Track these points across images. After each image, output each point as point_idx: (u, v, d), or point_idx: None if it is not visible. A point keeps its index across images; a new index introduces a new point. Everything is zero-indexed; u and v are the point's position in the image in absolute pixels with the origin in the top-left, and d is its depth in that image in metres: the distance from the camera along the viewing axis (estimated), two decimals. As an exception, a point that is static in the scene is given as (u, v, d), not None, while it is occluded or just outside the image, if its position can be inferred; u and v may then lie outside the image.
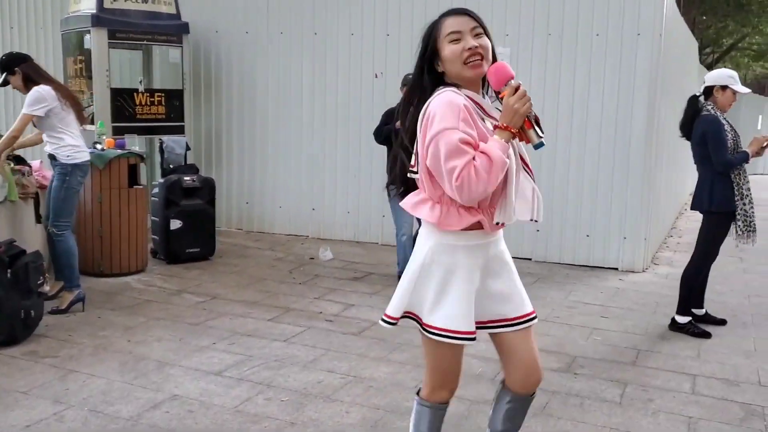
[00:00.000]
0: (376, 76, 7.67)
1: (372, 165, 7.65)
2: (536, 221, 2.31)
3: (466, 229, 2.20)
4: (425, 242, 2.27)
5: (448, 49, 2.12)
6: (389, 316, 2.32)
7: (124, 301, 5.38)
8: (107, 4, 7.05)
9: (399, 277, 5.50)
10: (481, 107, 2.18)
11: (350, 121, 7.82)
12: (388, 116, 5.89)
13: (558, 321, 5.21)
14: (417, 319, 2.32)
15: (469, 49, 2.10)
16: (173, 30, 7.58)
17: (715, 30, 21.95)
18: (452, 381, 2.41)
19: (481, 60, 2.12)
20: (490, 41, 2.17)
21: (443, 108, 2.08)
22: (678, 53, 8.77)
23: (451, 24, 2.13)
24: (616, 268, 6.92)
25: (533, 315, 2.41)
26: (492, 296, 2.33)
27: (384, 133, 5.87)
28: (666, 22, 6.86)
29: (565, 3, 6.90)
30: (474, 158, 2.04)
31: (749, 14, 19.67)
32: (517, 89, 2.07)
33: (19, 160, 5.53)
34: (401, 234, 5.94)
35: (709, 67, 20.20)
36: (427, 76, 2.21)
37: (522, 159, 2.23)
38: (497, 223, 2.20)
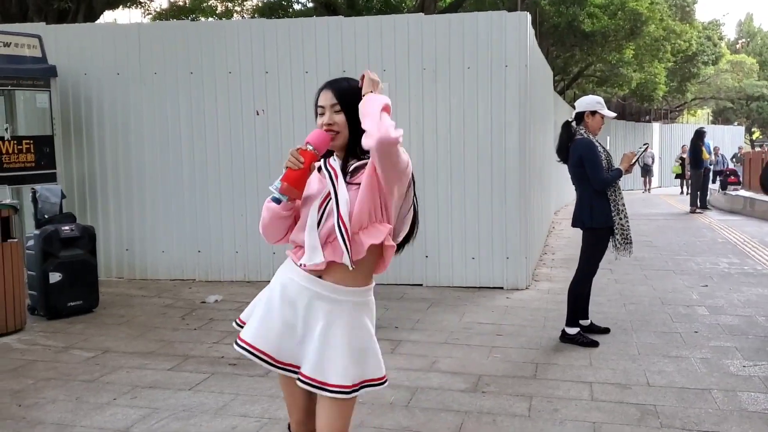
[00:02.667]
0: (258, 114, 7.66)
1: (258, 202, 7.55)
2: (351, 266, 2.25)
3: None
4: None
5: (317, 120, 2.38)
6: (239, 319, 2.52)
7: (6, 364, 5.01)
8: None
9: None
10: (333, 169, 2.33)
11: (234, 159, 7.74)
12: None
13: (458, 342, 5.38)
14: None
15: (325, 124, 2.33)
16: (39, 74, 7.22)
17: (564, 59, 23.59)
18: (291, 411, 2.51)
19: (337, 134, 2.33)
20: (355, 112, 2.27)
21: None
22: (539, 82, 9.37)
23: (320, 98, 2.37)
24: (502, 287, 7.24)
25: (334, 388, 2.27)
26: (299, 340, 2.33)
27: None
28: (530, 54, 7.34)
29: (436, 38, 7.23)
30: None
31: (594, 44, 21.33)
32: (298, 149, 2.27)
33: None
34: None
35: (561, 93, 21.65)
36: None
37: (340, 214, 2.24)
38: (302, 264, 2.30)
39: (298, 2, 20.89)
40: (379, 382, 2.38)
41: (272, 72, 7.61)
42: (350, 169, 2.33)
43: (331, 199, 2.27)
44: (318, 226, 2.28)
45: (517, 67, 7.12)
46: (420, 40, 7.27)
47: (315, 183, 2.34)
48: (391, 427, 3.77)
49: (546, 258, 9.34)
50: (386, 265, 2.41)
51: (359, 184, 2.26)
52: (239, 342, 2.37)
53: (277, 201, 2.27)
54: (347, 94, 2.32)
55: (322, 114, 2.35)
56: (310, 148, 2.24)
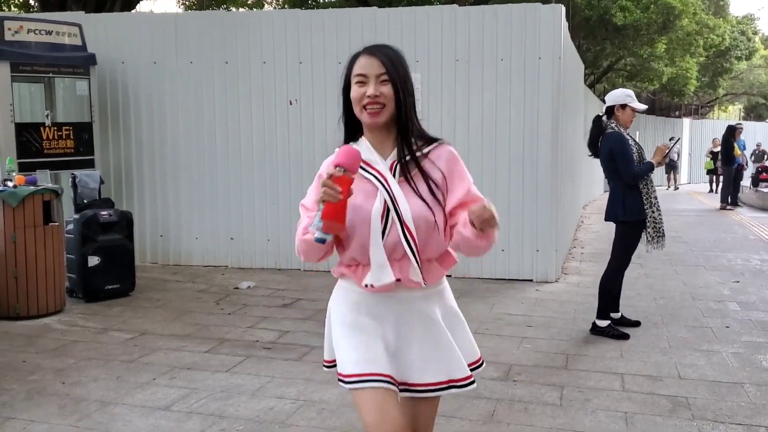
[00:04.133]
0: (291, 103, 7.75)
1: (290, 192, 7.69)
2: (423, 283, 2.07)
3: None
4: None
5: (353, 91, 2.06)
6: (326, 360, 2.29)
7: (48, 344, 5.16)
8: (8, 37, 6.79)
9: None
10: (366, 162, 2.07)
11: (267, 148, 7.84)
12: None
13: (488, 333, 5.43)
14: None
15: (369, 96, 2.02)
16: (79, 61, 7.37)
17: (594, 53, 23.40)
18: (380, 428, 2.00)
19: (381, 109, 2.03)
20: (402, 85, 2.06)
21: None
22: (571, 75, 9.34)
23: (360, 65, 2.05)
24: (531, 280, 7.27)
25: (441, 386, 2.11)
26: (401, 356, 2.11)
27: None
28: (563, 46, 7.33)
29: (470, 30, 7.25)
30: (304, 225, 2.06)
31: (625, 38, 21.14)
32: (331, 176, 1.92)
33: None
34: None
35: (590, 87, 21.49)
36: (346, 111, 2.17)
37: (405, 225, 2.01)
38: (368, 285, 2.06)
39: (329, -7, 20.93)
40: (466, 382, 2.15)
41: (306, 62, 7.69)
42: (402, 163, 2.06)
43: (390, 208, 2.01)
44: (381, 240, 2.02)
45: (550, 59, 7.11)
46: (453, 32, 7.30)
47: (360, 189, 2.02)
48: None
49: (575, 252, 9.33)
50: (455, 258, 2.18)
51: (416, 184, 2.04)
52: (345, 379, 2.05)
53: (322, 240, 1.95)
54: (396, 64, 2.06)
55: (362, 83, 2.04)
56: (343, 171, 1.91)
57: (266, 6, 22.82)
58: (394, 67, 2.04)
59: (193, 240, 8.13)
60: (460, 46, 7.30)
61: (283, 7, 21.98)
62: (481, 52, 7.26)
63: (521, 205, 7.26)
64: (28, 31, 6.97)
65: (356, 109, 2.07)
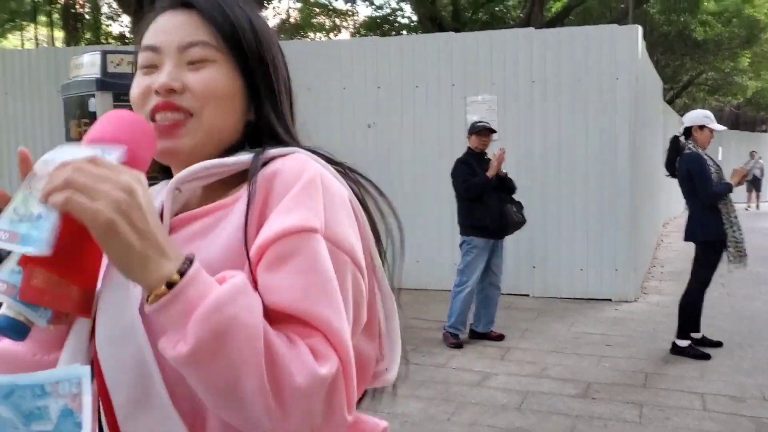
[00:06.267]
0: (369, 126, 8.02)
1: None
2: None
3: None
4: None
5: (134, 83, 0.98)
6: None
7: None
8: (111, 69, 7.32)
9: (451, 334, 5.56)
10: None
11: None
12: (468, 167, 5.56)
13: (567, 351, 5.49)
14: None
15: (157, 92, 0.94)
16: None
17: (673, 68, 22.96)
18: None
19: (182, 120, 0.94)
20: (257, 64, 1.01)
21: None
22: (649, 94, 9.30)
23: (152, 29, 0.99)
24: (610, 299, 7.25)
25: None
26: None
27: (479, 186, 5.45)
28: (640, 66, 7.35)
29: (546, 51, 7.36)
30: None
31: (706, 52, 20.70)
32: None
33: None
34: (464, 286, 5.56)
35: (670, 102, 21.08)
36: None
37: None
38: None
39: (403, 16, 21.36)
40: None
41: (384, 87, 7.95)
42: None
43: None
44: None
45: (627, 80, 7.15)
46: (530, 54, 7.42)
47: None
48: (504, 426, 3.95)
49: (654, 271, 9.22)
50: None
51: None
52: None
53: (15, 328, 0.76)
54: (236, 16, 0.98)
55: (149, 68, 0.96)
56: (118, 157, 0.79)
57: (343, 31, 23.45)
58: (228, 24, 0.97)
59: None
60: (536, 68, 7.42)
61: (358, 31, 22.54)
62: (557, 74, 7.36)
63: (599, 224, 7.27)
64: (128, 63, 7.50)
65: (138, 113, 0.96)
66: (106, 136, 0.82)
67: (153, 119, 0.93)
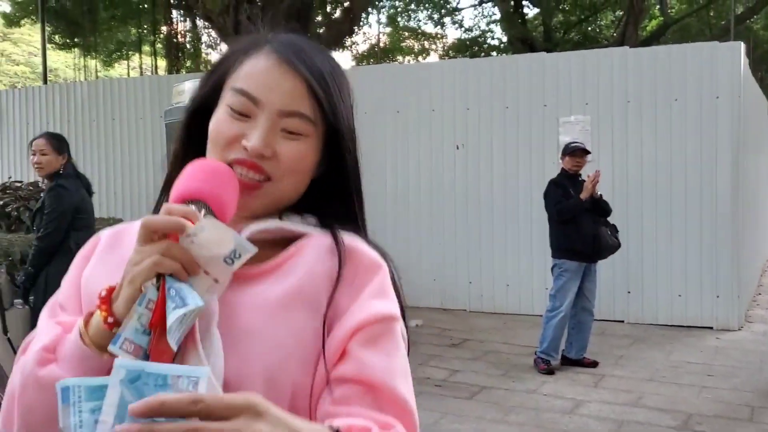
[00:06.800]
0: (458, 148, 8.00)
1: (456, 233, 7.90)
2: None
3: None
4: None
5: (218, 114, 0.96)
6: None
7: None
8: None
9: (542, 360, 5.43)
10: None
11: (433, 191, 8.12)
12: (561, 189, 5.50)
13: (665, 380, 5.26)
14: None
15: (246, 148, 0.92)
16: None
17: (779, 86, 21.88)
18: None
19: (260, 182, 0.93)
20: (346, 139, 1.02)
21: None
22: (753, 113, 8.88)
23: (254, 75, 0.95)
24: (711, 327, 6.91)
25: None
26: None
27: (572, 208, 5.37)
28: (743, 84, 7.04)
29: (642, 70, 7.16)
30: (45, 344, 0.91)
31: (814, 69, 19.64)
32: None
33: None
34: (557, 311, 5.42)
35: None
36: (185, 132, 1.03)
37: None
38: None
39: (493, 38, 21.30)
40: None
41: (473, 108, 7.93)
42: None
43: None
44: None
45: (729, 99, 6.85)
46: (625, 73, 7.24)
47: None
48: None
49: (760, 299, 8.73)
50: None
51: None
52: None
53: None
54: (335, 91, 0.98)
55: (243, 116, 0.94)
56: (205, 210, 0.84)
57: (432, 54, 23.60)
58: (329, 100, 0.96)
59: (365, 279, 8.51)
60: (631, 88, 7.22)
61: (447, 53, 22.63)
62: (653, 93, 7.14)
63: (699, 249, 6.97)
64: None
65: (215, 152, 0.95)
66: (204, 194, 0.85)
67: (230, 164, 0.92)
